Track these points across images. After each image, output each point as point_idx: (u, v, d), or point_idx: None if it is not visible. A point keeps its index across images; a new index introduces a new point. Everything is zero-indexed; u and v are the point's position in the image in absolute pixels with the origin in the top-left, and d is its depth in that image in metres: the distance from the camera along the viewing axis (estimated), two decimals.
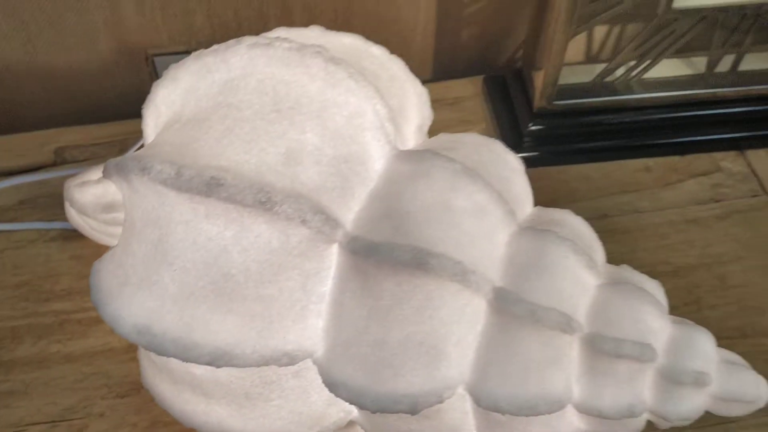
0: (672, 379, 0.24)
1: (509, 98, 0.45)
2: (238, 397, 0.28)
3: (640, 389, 0.25)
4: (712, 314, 0.39)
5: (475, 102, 0.48)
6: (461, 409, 0.26)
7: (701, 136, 0.45)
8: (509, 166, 0.29)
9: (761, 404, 0.25)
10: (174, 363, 0.27)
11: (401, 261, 0.24)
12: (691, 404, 0.25)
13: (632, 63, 0.42)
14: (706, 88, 0.44)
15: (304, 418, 0.29)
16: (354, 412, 0.29)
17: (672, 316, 0.27)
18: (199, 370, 0.27)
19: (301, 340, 0.26)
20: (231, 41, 0.28)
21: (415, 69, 0.52)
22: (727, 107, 0.45)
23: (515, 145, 0.44)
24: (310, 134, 0.26)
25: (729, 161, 0.45)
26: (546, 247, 0.25)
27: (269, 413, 0.28)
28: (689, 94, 0.44)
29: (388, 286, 0.24)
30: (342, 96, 0.27)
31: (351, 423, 0.30)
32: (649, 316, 0.25)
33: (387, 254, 0.24)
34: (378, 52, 0.32)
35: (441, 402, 0.24)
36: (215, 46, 0.28)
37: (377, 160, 0.27)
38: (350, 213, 0.26)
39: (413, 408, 0.24)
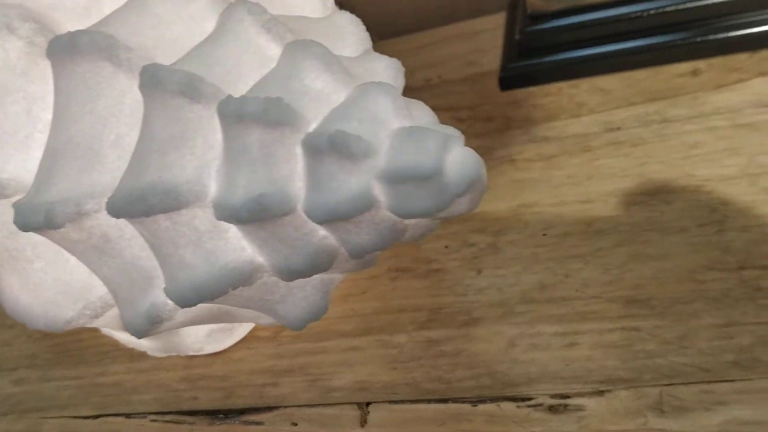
0: (311, 147, 0.16)
1: (516, 17, 0.37)
2: (4, 257, 0.25)
3: (284, 174, 0.16)
4: (739, 237, 0.25)
5: (498, 32, 0.40)
6: (140, 244, 0.20)
7: None
8: None
9: (453, 187, 0.14)
10: None
11: (60, 46, 0.20)
12: (343, 186, 0.15)
13: None
14: None
15: (70, 288, 0.25)
16: None
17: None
18: None
19: (22, 172, 0.23)
20: None
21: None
22: None
23: (511, 58, 0.35)
24: None
25: None
26: (227, 15, 0.19)
27: (39, 281, 0.25)
28: None
29: (62, 82, 0.20)
30: None
31: None
32: (312, 76, 0.17)
33: (55, 44, 0.20)
34: None
35: (79, 212, 0.19)
36: None
37: None
38: None
39: (48, 221, 0.19)
